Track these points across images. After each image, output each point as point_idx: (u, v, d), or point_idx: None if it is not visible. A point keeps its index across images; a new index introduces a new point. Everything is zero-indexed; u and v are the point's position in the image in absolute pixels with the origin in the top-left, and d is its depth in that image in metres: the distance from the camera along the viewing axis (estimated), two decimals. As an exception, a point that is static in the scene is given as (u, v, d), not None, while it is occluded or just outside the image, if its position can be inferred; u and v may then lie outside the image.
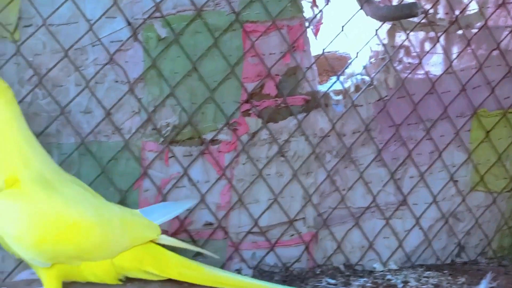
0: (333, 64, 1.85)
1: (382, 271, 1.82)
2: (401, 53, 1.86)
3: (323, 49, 1.77)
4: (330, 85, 1.80)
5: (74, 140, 1.58)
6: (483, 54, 1.91)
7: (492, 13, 1.91)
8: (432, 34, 1.87)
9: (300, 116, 1.75)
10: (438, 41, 1.86)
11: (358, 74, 1.86)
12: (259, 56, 1.68)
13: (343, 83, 1.82)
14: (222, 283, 1.32)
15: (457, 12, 1.86)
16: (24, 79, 1.53)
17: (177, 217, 1.63)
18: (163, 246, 1.31)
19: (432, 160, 1.89)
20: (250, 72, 1.69)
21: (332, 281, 1.73)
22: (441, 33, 1.86)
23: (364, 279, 1.75)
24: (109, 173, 1.60)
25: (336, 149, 1.80)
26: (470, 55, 1.90)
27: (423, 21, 1.84)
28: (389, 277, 1.77)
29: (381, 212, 1.86)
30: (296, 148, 1.76)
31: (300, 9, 1.72)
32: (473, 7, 1.89)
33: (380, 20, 1.78)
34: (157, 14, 1.59)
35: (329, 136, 1.79)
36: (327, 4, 1.78)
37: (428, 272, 1.81)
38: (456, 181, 1.92)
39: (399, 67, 1.85)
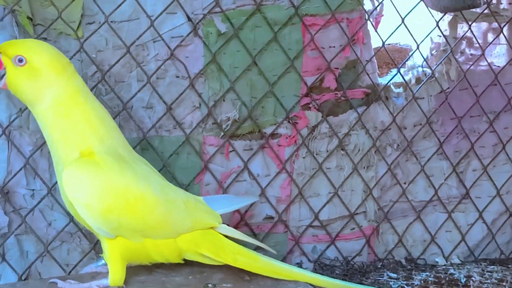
0: (393, 56, 1.84)
1: (444, 265, 1.81)
2: (463, 44, 1.84)
3: (383, 42, 1.76)
4: (391, 78, 1.79)
5: (136, 135, 1.60)
6: (548, 44, 1.88)
7: (558, 2, 1.87)
8: (495, 25, 1.84)
9: (360, 109, 1.74)
10: (501, 31, 1.83)
11: (419, 66, 1.84)
12: (318, 50, 1.68)
13: (404, 76, 1.81)
14: (277, 273, 1.32)
15: (521, 2, 1.83)
16: (88, 75, 1.55)
17: (238, 211, 1.65)
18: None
19: (496, 153, 1.87)
20: (310, 65, 1.69)
21: (394, 275, 1.72)
22: (505, 23, 1.84)
23: (426, 273, 1.73)
24: (170, 168, 1.62)
25: (397, 142, 1.79)
26: (534, 45, 1.87)
27: (485, 11, 1.82)
28: (451, 271, 1.75)
29: (443, 205, 1.84)
30: (356, 141, 1.75)
31: (359, 2, 1.70)
32: (538, -4, 1.86)
33: (442, 12, 1.76)
34: (217, 9, 1.60)
35: (389, 129, 1.78)
36: (388, -4, 1.77)
37: (492, 267, 1.79)
38: (521, 174, 1.89)
39: (461, 59, 1.83)
